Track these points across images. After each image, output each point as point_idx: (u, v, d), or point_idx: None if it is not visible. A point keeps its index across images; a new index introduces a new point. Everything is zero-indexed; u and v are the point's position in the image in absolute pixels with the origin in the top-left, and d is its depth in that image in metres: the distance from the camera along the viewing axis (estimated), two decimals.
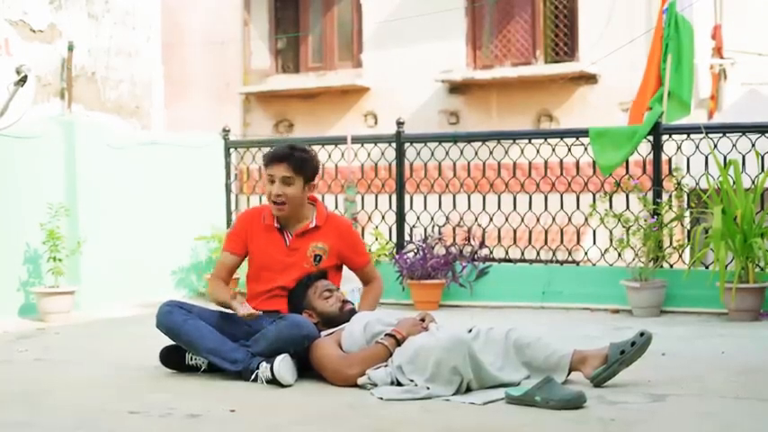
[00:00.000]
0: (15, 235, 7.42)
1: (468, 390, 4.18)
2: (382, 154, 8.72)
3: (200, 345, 4.66)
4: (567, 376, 4.37)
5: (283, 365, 4.44)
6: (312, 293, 4.81)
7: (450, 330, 4.46)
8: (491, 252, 8.24)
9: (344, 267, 5.16)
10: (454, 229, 8.36)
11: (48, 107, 8.73)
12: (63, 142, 7.84)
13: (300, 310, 4.78)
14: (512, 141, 8.42)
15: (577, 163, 7.99)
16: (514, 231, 8.21)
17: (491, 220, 8.22)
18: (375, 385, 4.29)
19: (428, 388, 4.14)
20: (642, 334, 4.29)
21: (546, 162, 8.05)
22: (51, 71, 8.88)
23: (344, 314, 4.75)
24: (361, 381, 4.35)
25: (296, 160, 4.86)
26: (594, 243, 7.94)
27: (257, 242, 4.97)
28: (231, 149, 9.32)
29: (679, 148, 7.70)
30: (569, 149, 7.97)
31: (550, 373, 4.26)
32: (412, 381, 4.22)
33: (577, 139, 7.98)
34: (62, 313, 7.25)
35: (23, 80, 7.16)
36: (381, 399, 4.13)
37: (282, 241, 4.95)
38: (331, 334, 4.64)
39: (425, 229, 8.32)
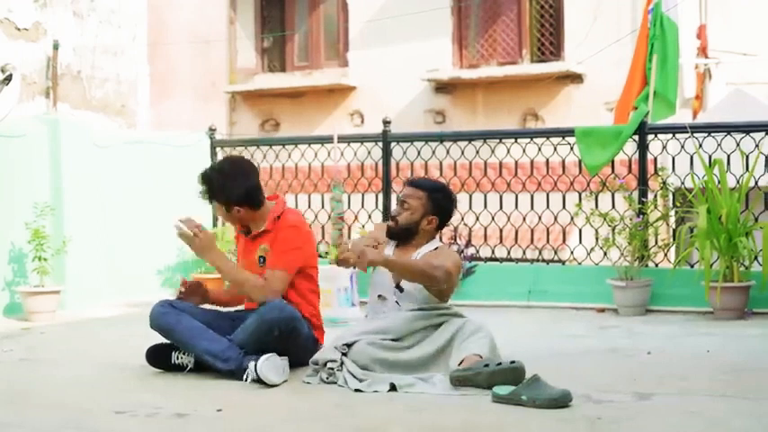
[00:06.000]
0: (0, 234, 7.38)
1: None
2: (368, 153, 8.71)
3: (194, 345, 4.69)
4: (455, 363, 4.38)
5: (267, 365, 4.43)
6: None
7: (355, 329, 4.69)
8: (477, 251, 8.25)
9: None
10: None
11: (33, 106, 8.69)
12: (48, 141, 7.80)
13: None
14: (498, 141, 8.43)
15: (563, 162, 8.00)
16: (500, 230, 8.22)
17: (477, 219, 8.23)
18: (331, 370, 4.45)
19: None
20: (513, 362, 4.22)
21: (532, 161, 8.06)
22: (36, 70, 8.84)
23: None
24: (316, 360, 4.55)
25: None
26: (580, 242, 7.95)
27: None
28: (217, 148, 9.30)
29: (664, 147, 7.73)
30: (555, 149, 7.98)
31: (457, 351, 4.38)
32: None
33: (563, 138, 8.00)
34: (47, 313, 7.22)
35: (8, 79, 7.15)
36: (359, 391, 4.25)
37: (243, 244, 5.12)
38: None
39: None
